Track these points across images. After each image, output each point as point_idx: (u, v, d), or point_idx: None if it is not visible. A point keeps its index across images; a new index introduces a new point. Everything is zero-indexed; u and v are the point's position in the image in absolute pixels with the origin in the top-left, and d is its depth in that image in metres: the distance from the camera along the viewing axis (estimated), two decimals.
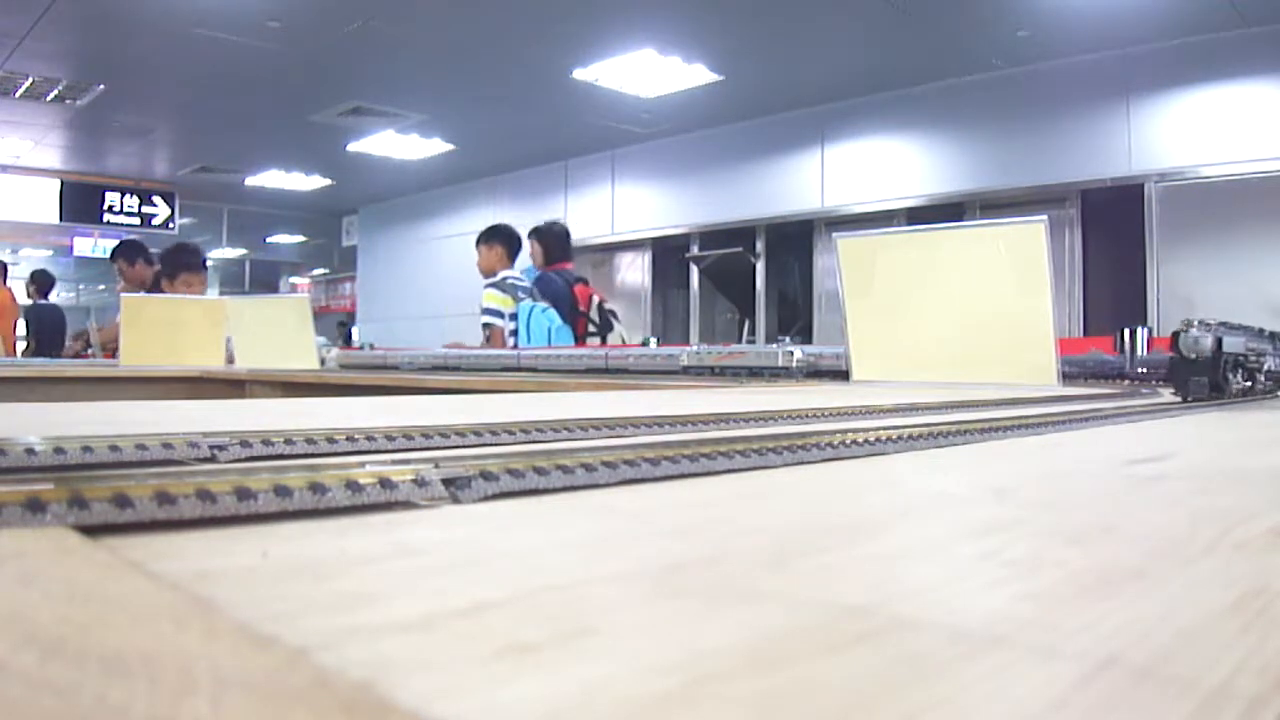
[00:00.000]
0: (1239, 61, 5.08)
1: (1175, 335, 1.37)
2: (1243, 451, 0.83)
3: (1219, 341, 1.33)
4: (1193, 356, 1.32)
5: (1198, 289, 5.11)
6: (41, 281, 7.75)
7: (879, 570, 0.33)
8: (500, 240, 4.43)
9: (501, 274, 4.38)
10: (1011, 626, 0.25)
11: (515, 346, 3.97)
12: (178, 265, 4.87)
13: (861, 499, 0.52)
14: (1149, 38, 5.22)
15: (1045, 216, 1.97)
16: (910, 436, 0.75)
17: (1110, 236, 5.71)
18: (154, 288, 4.93)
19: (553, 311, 4.09)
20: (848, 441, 0.69)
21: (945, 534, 0.41)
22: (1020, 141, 5.94)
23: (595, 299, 4.26)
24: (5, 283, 7.22)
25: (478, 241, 4.54)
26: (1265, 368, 1.64)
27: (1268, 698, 0.20)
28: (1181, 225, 5.31)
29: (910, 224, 5.84)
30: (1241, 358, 1.48)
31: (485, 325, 4.31)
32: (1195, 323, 1.35)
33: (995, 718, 0.19)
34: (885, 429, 0.78)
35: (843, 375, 2.34)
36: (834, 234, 2.35)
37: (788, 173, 7.14)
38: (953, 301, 2.04)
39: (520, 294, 4.26)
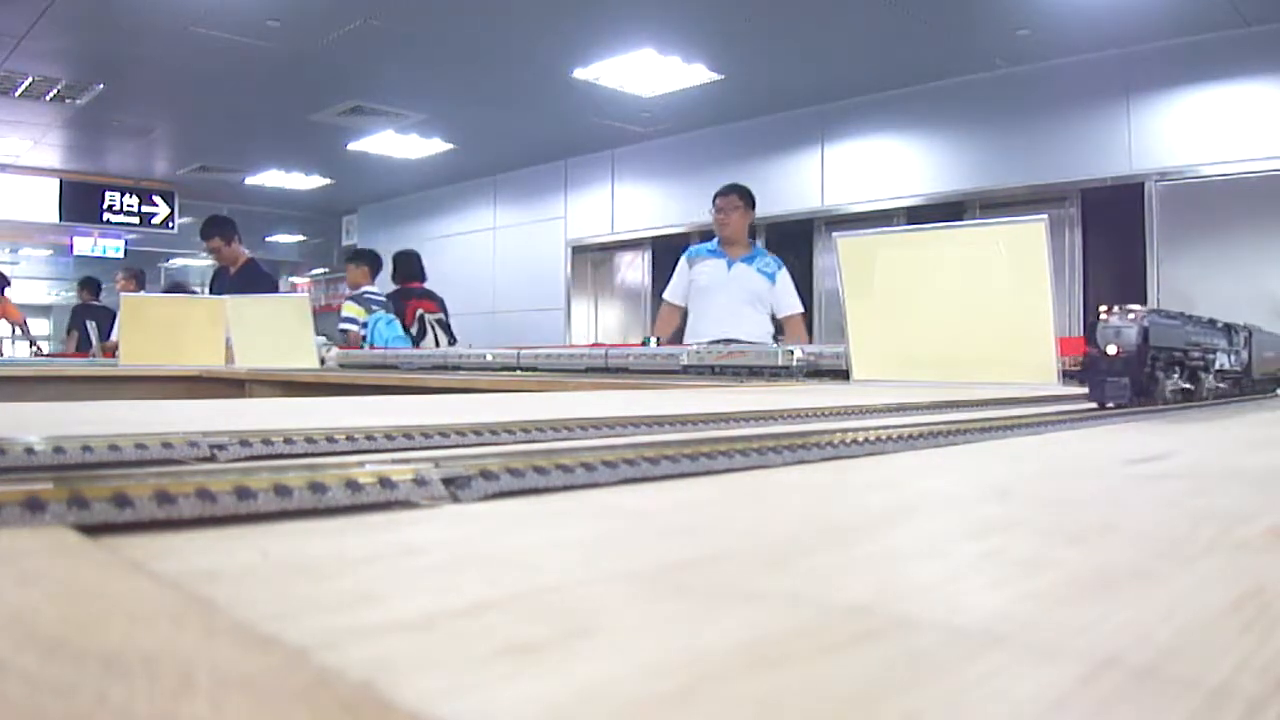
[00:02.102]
0: (1239, 61, 5.08)
1: (1091, 327, 1.16)
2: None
3: (1144, 333, 1.11)
4: (1112, 352, 1.11)
5: (1198, 288, 5.11)
6: (92, 286, 8.41)
7: (879, 570, 0.33)
8: (366, 261, 5.52)
9: (362, 289, 5.39)
10: (1012, 626, 0.25)
11: (373, 347, 4.90)
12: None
13: (862, 499, 0.52)
14: (1149, 38, 5.22)
15: (1045, 216, 1.97)
16: (910, 436, 0.75)
17: (1110, 236, 5.72)
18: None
19: (396, 323, 5.12)
20: (848, 441, 0.69)
21: (945, 533, 0.41)
22: (1020, 141, 5.94)
23: (419, 312, 5.24)
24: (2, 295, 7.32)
25: (347, 260, 5.73)
26: (1217, 366, 1.41)
27: (1269, 698, 0.20)
28: (1181, 224, 5.31)
29: (910, 223, 5.84)
30: (1179, 354, 1.25)
31: (342, 330, 5.21)
32: (1116, 309, 1.14)
33: (996, 718, 0.19)
34: (885, 429, 0.78)
35: (843, 375, 2.34)
36: (834, 233, 2.35)
37: (788, 172, 7.14)
38: (953, 301, 2.04)
39: (373, 306, 5.24)
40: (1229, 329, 1.51)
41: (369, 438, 0.68)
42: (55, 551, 0.31)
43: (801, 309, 4.16)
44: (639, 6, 5.22)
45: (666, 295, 4.29)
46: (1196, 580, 0.32)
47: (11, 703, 0.17)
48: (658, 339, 3.80)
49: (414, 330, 5.13)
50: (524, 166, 8.95)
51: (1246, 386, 1.57)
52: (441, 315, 5.32)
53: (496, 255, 9.38)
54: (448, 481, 0.46)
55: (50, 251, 12.08)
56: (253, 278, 5.08)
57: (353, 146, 8.17)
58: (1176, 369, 1.23)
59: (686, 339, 3.99)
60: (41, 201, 8.85)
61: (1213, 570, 0.33)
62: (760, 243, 5.17)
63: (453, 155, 8.44)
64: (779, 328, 4.16)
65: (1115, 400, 1.11)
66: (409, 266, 5.38)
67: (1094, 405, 1.13)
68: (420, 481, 0.45)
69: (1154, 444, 0.81)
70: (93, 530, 0.35)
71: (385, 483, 0.44)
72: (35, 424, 0.82)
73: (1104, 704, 0.19)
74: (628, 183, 8.35)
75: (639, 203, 8.25)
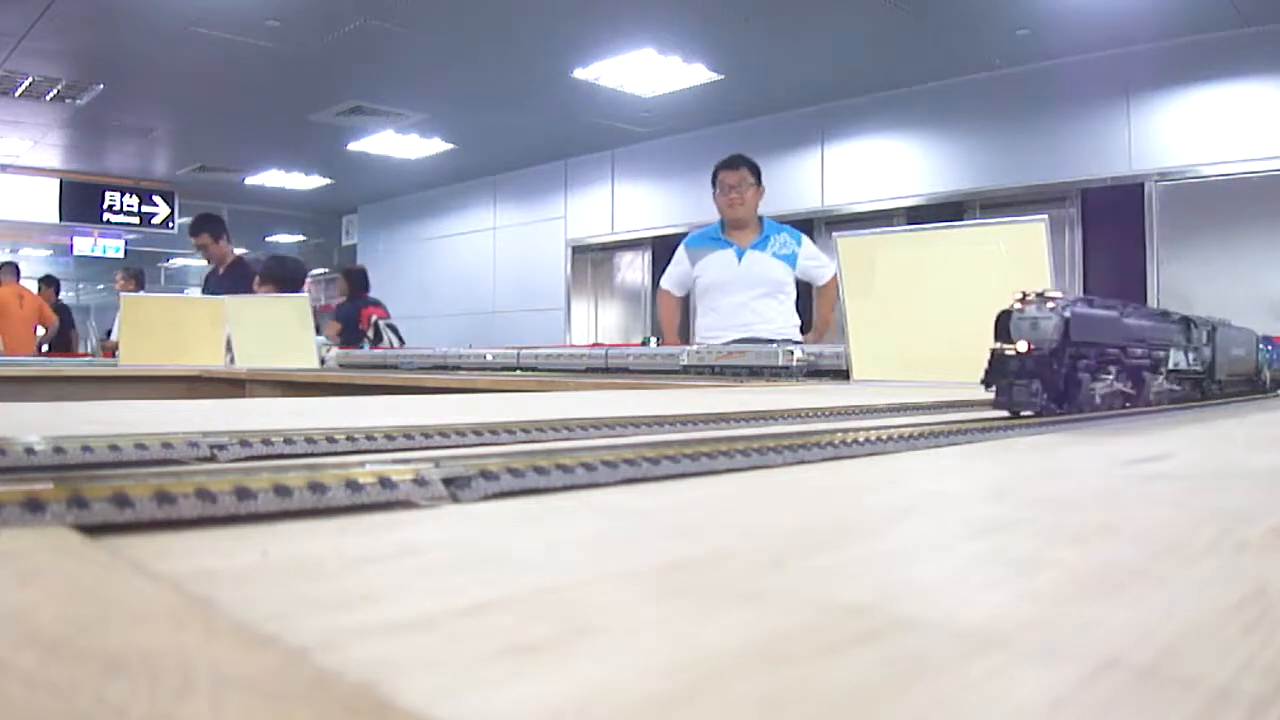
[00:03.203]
0: (1239, 61, 5.08)
1: (1000, 316, 0.97)
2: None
3: (1065, 325, 0.93)
4: (1022, 349, 0.93)
5: (1198, 288, 5.11)
6: (53, 285, 8.48)
7: (880, 570, 0.33)
8: (274, 278, 5.76)
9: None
10: (1012, 626, 0.25)
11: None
12: (281, 280, 5.02)
13: (862, 498, 0.52)
14: (1149, 38, 5.22)
15: (1045, 216, 1.97)
16: (910, 436, 0.75)
17: (1110, 236, 5.72)
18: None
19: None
20: (848, 441, 0.69)
21: (945, 533, 0.41)
22: (1020, 141, 5.94)
23: (374, 318, 5.72)
24: (18, 281, 7.30)
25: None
26: (1172, 365, 1.21)
27: (1271, 699, 0.20)
28: (1181, 224, 5.31)
29: (910, 223, 5.84)
30: (1115, 352, 1.06)
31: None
32: (1033, 296, 0.95)
33: (998, 718, 0.19)
34: (885, 428, 0.78)
35: (843, 375, 2.34)
36: (834, 233, 2.36)
37: (788, 172, 7.14)
38: (953, 301, 2.04)
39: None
40: (1188, 323, 1.30)
41: (369, 438, 0.68)
42: (55, 551, 0.31)
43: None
44: (639, 6, 5.22)
45: (663, 283, 3.81)
46: (1198, 580, 0.32)
47: (11, 703, 0.17)
48: (657, 337, 3.65)
49: (370, 334, 5.63)
50: (524, 166, 8.95)
51: (1210, 389, 1.39)
52: (390, 320, 5.85)
53: (496, 255, 9.39)
54: (448, 481, 0.46)
55: (50, 251, 12.08)
56: (242, 276, 5.08)
57: (353, 146, 8.17)
58: (1111, 369, 1.05)
59: (699, 339, 3.55)
60: (42, 201, 8.85)
61: (1214, 570, 0.33)
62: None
63: (453, 155, 8.44)
64: (804, 313, 3.67)
65: (1026, 407, 0.93)
66: (362, 279, 6.37)
67: (1007, 413, 0.94)
68: (420, 481, 0.45)
69: (1032, 464, 0.80)
70: (93, 530, 0.35)
71: (385, 483, 0.44)
72: (35, 424, 0.82)
73: (1105, 705, 0.19)
74: (628, 183, 8.35)
75: (639, 203, 8.25)
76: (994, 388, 0.95)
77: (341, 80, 6.45)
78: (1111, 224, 5.66)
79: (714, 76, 6.27)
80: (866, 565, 0.34)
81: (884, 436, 0.73)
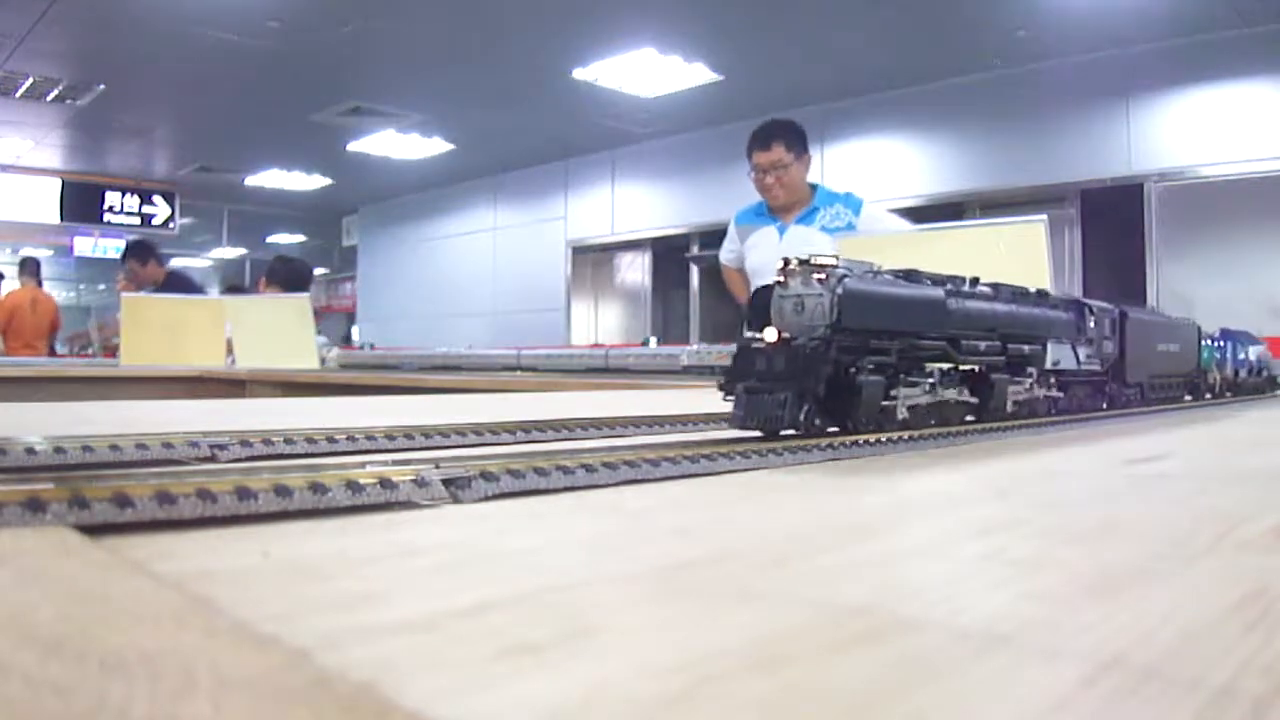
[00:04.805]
0: (1239, 61, 5.07)
1: (758, 295, 0.72)
2: None
3: (838, 307, 0.67)
4: (770, 339, 0.68)
5: (1197, 288, 5.11)
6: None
7: (881, 570, 0.33)
8: (279, 279, 5.48)
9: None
10: (1014, 627, 0.25)
11: None
12: (286, 280, 4.99)
13: (863, 499, 0.52)
14: (1149, 38, 5.22)
15: (1045, 215, 1.97)
16: (911, 437, 0.75)
17: (1110, 236, 5.71)
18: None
19: None
20: (848, 441, 0.69)
21: (947, 534, 0.41)
22: (1020, 141, 5.94)
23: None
24: (39, 281, 7.11)
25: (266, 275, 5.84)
26: (1051, 363, 0.94)
27: (1272, 699, 0.20)
28: (1181, 225, 5.31)
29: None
30: (932, 343, 0.77)
31: None
32: (796, 265, 0.69)
33: (999, 718, 0.19)
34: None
35: None
36: (834, 233, 2.35)
37: None
38: None
39: None
40: (1081, 307, 1.01)
41: (369, 437, 0.68)
42: (56, 551, 0.31)
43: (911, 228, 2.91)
44: (639, 6, 5.22)
45: (722, 257, 3.42)
46: (1198, 580, 0.32)
47: (12, 702, 0.17)
48: (743, 305, 3.37)
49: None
50: (524, 166, 8.95)
51: (1116, 396, 1.11)
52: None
53: (496, 255, 9.38)
54: (448, 482, 0.46)
55: (51, 252, 12.09)
56: (175, 288, 5.04)
57: (353, 146, 8.17)
58: (923, 371, 0.77)
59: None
60: (42, 202, 8.85)
61: (1215, 570, 0.33)
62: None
63: (453, 155, 8.44)
64: None
65: (768, 427, 0.66)
66: (301, 276, 6.60)
67: (751, 430, 0.67)
68: (421, 483, 0.45)
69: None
70: (94, 530, 0.35)
71: (386, 484, 0.44)
72: (36, 424, 0.82)
73: (1107, 705, 0.19)
74: (628, 183, 8.35)
75: (639, 203, 8.25)
76: (731, 397, 0.67)
77: (341, 80, 6.45)
78: (1111, 224, 5.66)
79: (714, 76, 6.27)
80: (868, 565, 0.34)
81: (885, 437, 0.73)
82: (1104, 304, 1.08)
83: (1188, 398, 1.40)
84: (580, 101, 6.99)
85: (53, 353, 6.50)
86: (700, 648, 0.23)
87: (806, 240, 2.87)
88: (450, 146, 8.45)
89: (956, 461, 0.68)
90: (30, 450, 0.54)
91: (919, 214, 6.21)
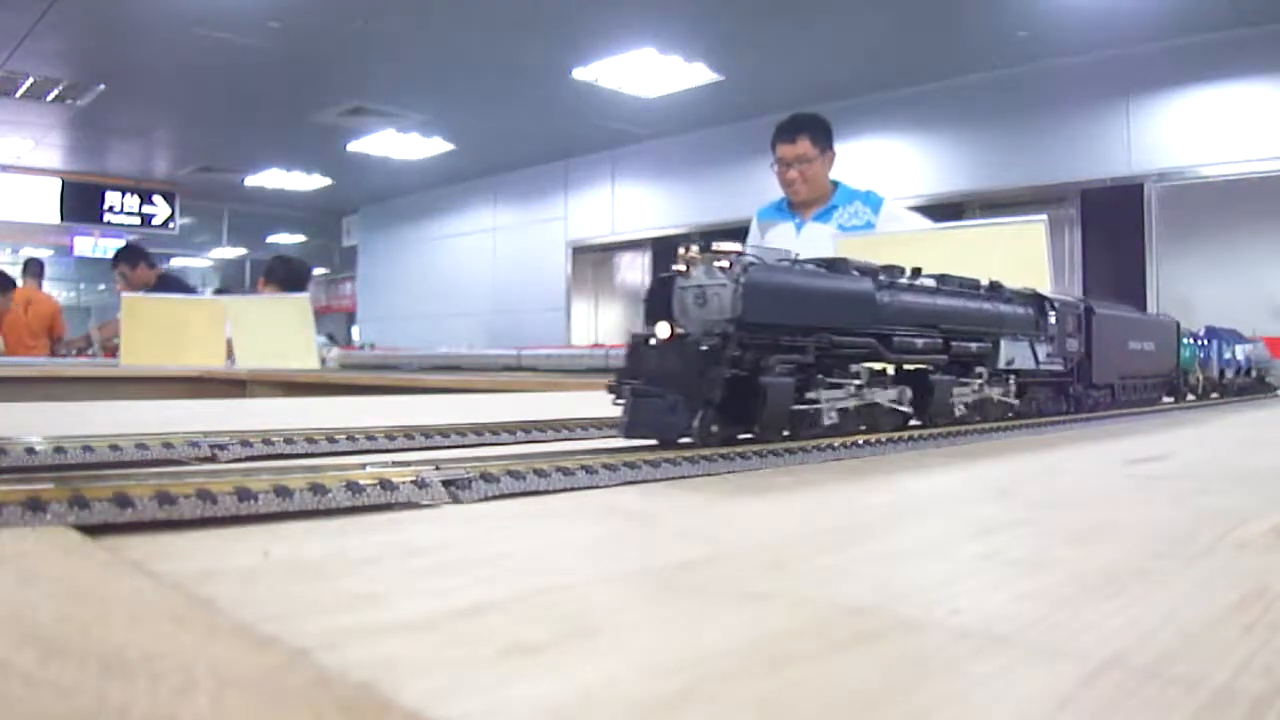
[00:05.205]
0: (1239, 61, 5.07)
1: (658, 286, 0.65)
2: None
3: (739, 295, 0.61)
4: (663, 335, 0.62)
5: (1197, 288, 5.11)
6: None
7: (881, 570, 0.33)
8: (277, 279, 5.42)
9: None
10: (1014, 626, 0.25)
11: None
12: (285, 280, 4.97)
13: (863, 499, 0.52)
14: (1149, 38, 5.22)
15: (1045, 215, 1.97)
16: (911, 437, 0.75)
17: (1110, 236, 5.71)
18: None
19: None
20: (848, 442, 0.69)
21: (947, 534, 0.41)
22: (1020, 141, 5.94)
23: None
24: (40, 283, 7.12)
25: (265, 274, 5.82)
26: (1005, 364, 0.86)
27: (1272, 698, 0.20)
28: (1181, 225, 5.31)
29: None
30: (858, 342, 0.71)
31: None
32: (695, 251, 0.64)
33: (1000, 718, 0.19)
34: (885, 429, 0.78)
35: None
36: (834, 233, 2.35)
37: None
38: None
39: None
40: (1041, 302, 0.93)
41: (369, 437, 0.68)
42: (56, 551, 0.31)
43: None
44: (639, 7, 5.22)
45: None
46: (1198, 580, 0.32)
47: (12, 701, 0.17)
48: None
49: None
50: (524, 167, 8.95)
51: (1082, 398, 1.03)
52: None
53: (496, 255, 9.38)
54: (448, 484, 0.46)
55: (51, 252, 12.09)
56: (167, 289, 5.06)
57: (353, 146, 8.17)
58: (848, 371, 0.70)
59: None
60: (43, 202, 8.85)
61: (1215, 571, 0.33)
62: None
63: (453, 155, 8.44)
64: None
65: (658, 435, 0.60)
66: (299, 275, 6.59)
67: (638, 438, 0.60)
68: (421, 484, 0.45)
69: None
70: (94, 530, 0.35)
71: (386, 485, 0.44)
72: (36, 424, 0.82)
73: (1108, 704, 0.19)
74: (628, 183, 8.35)
75: (639, 203, 8.24)
76: (621, 402, 0.60)
77: (341, 80, 6.45)
78: (1111, 224, 5.65)
79: (714, 76, 6.27)
80: (868, 565, 0.34)
81: (885, 437, 0.73)
82: (1068, 298, 1.00)
83: (1168, 400, 1.31)
84: (580, 101, 6.99)
85: (53, 353, 6.48)
86: (700, 648, 0.23)
87: (822, 237, 2.78)
88: (450, 146, 8.45)
89: (956, 461, 0.68)
90: (30, 450, 0.54)
91: (919, 214, 6.21)
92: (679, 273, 0.63)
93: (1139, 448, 0.79)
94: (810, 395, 0.66)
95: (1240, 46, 5.21)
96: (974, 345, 0.84)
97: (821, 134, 2.83)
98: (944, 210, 6.16)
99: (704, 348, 0.59)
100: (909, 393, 0.76)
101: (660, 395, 0.58)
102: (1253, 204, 5.19)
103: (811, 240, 2.79)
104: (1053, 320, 0.95)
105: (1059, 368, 0.95)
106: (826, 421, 0.68)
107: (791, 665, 0.21)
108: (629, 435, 0.60)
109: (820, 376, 0.67)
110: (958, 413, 0.82)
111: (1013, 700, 0.19)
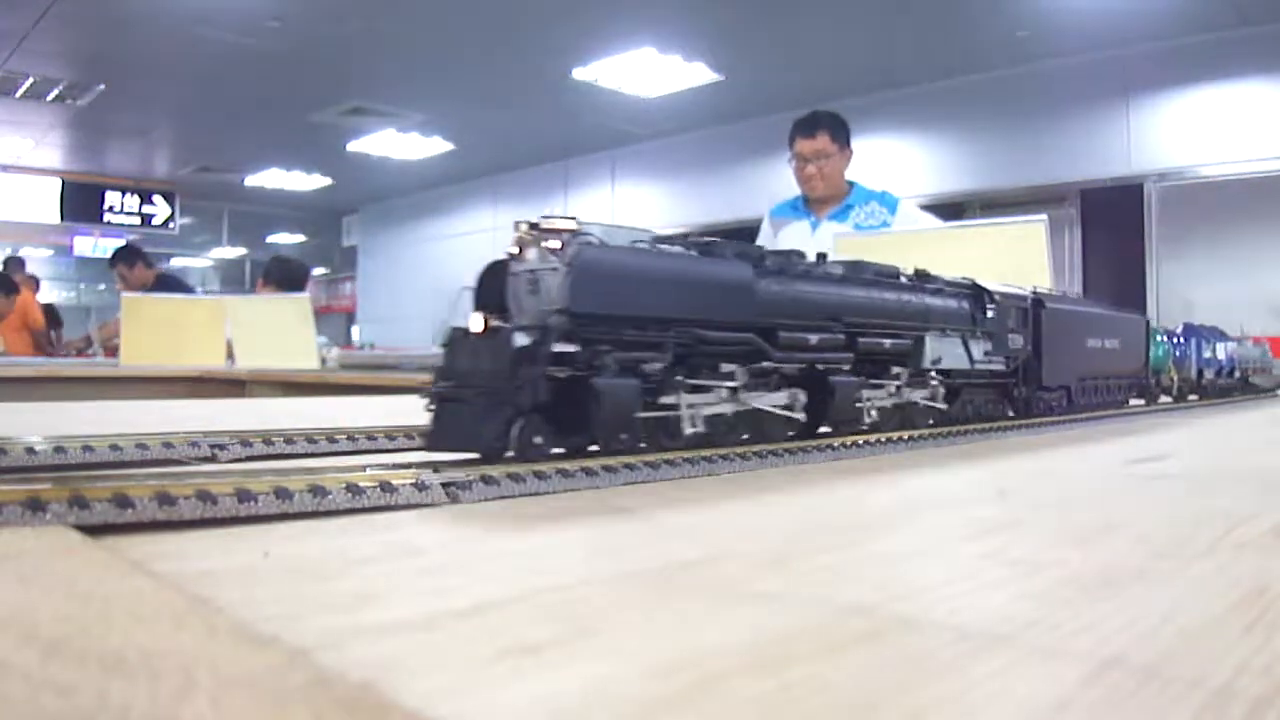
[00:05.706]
0: (1239, 61, 5.07)
1: (485, 271, 0.59)
2: None
3: (569, 280, 0.53)
4: (476, 328, 0.53)
5: (1197, 288, 5.10)
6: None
7: (881, 570, 0.33)
8: (276, 279, 5.37)
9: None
10: (1014, 626, 0.25)
11: None
12: (282, 281, 4.96)
13: (863, 499, 0.52)
14: (1149, 38, 5.22)
15: (1045, 215, 1.97)
16: (911, 437, 0.75)
17: (1110, 236, 5.71)
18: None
19: None
20: (849, 443, 0.69)
21: (947, 534, 0.41)
22: (1020, 141, 5.93)
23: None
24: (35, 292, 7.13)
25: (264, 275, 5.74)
26: (929, 363, 0.77)
27: (1272, 698, 0.20)
28: (1181, 224, 5.31)
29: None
30: (727, 339, 0.61)
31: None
32: (529, 229, 0.57)
33: (999, 718, 0.19)
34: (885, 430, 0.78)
35: None
36: (833, 233, 2.35)
37: (787, 172, 7.13)
38: None
39: None
40: (979, 293, 0.83)
41: (369, 437, 0.68)
42: (56, 551, 0.31)
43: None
44: (639, 7, 5.22)
45: None
46: (1198, 580, 0.32)
47: (12, 701, 0.17)
48: None
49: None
50: (524, 166, 8.94)
51: (1030, 401, 0.93)
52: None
53: (497, 255, 9.39)
54: (448, 485, 0.46)
55: (51, 252, 12.09)
56: (165, 290, 5.07)
57: (353, 146, 8.17)
58: (718, 372, 0.60)
59: None
60: (43, 202, 8.85)
61: (1214, 571, 0.33)
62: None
63: (453, 155, 8.44)
64: None
65: (466, 447, 0.51)
66: (297, 275, 6.46)
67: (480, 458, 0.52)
68: (420, 486, 0.45)
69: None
70: (94, 530, 0.35)
71: (385, 487, 0.44)
72: (36, 424, 0.82)
73: (1108, 704, 0.19)
74: (628, 183, 8.34)
75: (639, 203, 8.24)
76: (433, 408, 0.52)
77: (341, 80, 6.45)
78: (1111, 224, 5.65)
79: (714, 76, 6.27)
80: (868, 565, 0.34)
81: (886, 437, 0.73)
82: (1011, 289, 0.88)
83: (1138, 402, 1.21)
84: (580, 101, 7.00)
85: (38, 347, 6.50)
86: (700, 648, 0.23)
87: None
88: (450, 146, 8.45)
89: (956, 461, 0.68)
90: (30, 450, 0.54)
91: (932, 215, 6.21)
92: (512, 256, 0.55)
93: (1139, 448, 0.79)
94: (667, 400, 0.56)
95: (1240, 46, 5.21)
96: (888, 342, 0.74)
97: (840, 131, 2.79)
98: (944, 210, 6.15)
99: (518, 344, 0.49)
100: (802, 397, 0.66)
101: (469, 400, 0.49)
102: (1253, 204, 5.19)
103: (826, 240, 2.61)
104: (991, 315, 0.84)
105: (999, 367, 0.85)
106: (689, 430, 0.57)
107: (791, 665, 0.21)
108: (432, 447, 0.50)
109: (680, 378, 0.57)
110: (868, 419, 0.71)
111: (1012, 700, 0.19)
